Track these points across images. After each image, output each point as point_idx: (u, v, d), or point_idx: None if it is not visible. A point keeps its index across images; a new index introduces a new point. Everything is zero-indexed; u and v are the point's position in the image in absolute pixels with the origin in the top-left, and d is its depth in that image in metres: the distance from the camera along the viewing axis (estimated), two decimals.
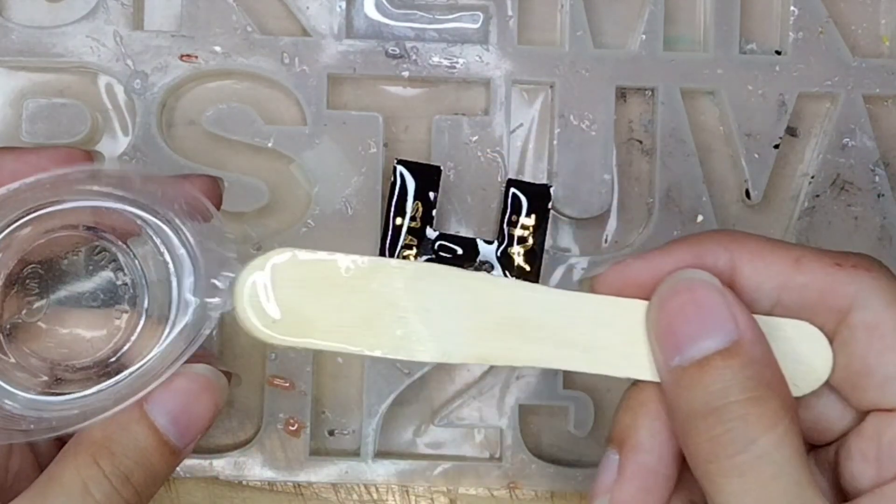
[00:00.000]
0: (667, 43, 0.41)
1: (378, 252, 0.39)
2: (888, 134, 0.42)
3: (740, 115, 0.41)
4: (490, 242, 0.39)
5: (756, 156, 0.41)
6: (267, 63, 0.40)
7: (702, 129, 0.42)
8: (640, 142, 0.42)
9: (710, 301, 0.28)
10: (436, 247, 0.39)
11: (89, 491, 0.28)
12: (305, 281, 0.28)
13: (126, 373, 0.30)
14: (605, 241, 0.42)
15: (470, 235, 0.39)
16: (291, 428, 0.40)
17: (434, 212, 0.39)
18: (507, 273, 0.39)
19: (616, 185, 0.41)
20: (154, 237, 0.30)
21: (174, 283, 0.30)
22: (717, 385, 0.27)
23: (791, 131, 0.42)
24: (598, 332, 0.28)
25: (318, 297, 0.28)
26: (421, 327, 0.27)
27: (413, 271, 0.27)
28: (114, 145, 0.41)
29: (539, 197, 0.39)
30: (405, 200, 0.38)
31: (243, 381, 0.41)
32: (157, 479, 0.30)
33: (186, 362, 0.30)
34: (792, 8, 0.41)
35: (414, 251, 0.39)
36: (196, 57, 0.40)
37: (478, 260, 0.39)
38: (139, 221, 0.30)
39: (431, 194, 0.39)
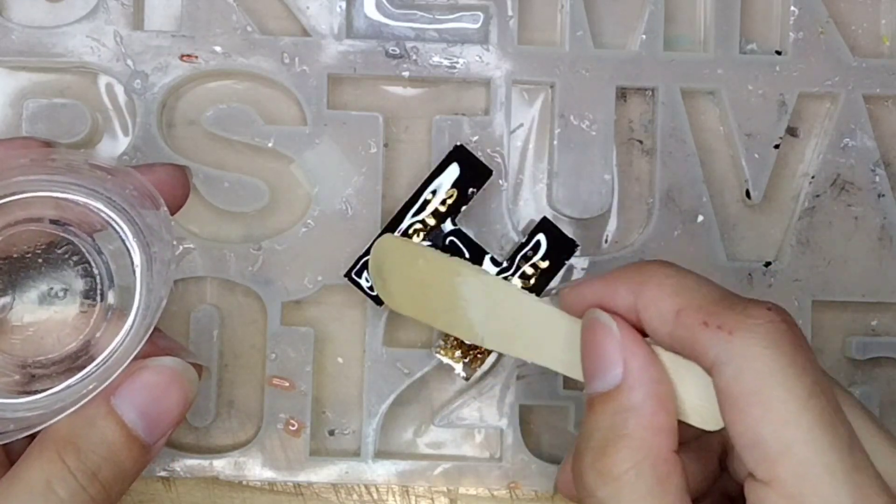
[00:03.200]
0: (667, 43, 0.41)
1: (395, 213, 0.39)
2: (888, 134, 0.42)
3: (740, 115, 0.41)
4: (498, 263, 0.39)
5: (756, 156, 0.41)
6: (267, 63, 0.40)
7: (702, 129, 0.42)
8: (641, 142, 0.42)
9: (603, 344, 0.30)
10: (446, 241, 0.39)
11: (53, 488, 0.28)
12: (402, 262, 0.36)
13: (92, 366, 0.29)
14: (606, 241, 0.42)
15: (479, 244, 0.39)
16: (291, 428, 0.40)
17: (464, 207, 0.39)
18: None
19: (616, 185, 0.41)
20: (116, 227, 0.30)
21: (137, 273, 0.30)
22: (589, 426, 0.29)
23: (791, 131, 0.42)
24: (566, 343, 0.32)
25: (411, 277, 0.36)
26: (470, 315, 0.34)
27: (469, 274, 0.34)
28: (114, 145, 0.41)
29: (562, 248, 0.39)
30: (444, 183, 0.39)
31: (244, 382, 0.41)
32: (127, 476, 0.29)
33: (155, 356, 0.30)
34: (792, 8, 0.41)
35: (422, 235, 0.39)
36: (196, 57, 0.40)
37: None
38: (100, 212, 0.30)
39: (471, 190, 0.39)
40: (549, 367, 0.32)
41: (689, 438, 0.30)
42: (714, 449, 0.32)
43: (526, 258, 0.39)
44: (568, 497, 0.34)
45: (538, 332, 0.33)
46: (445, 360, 0.40)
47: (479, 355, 0.40)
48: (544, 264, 0.39)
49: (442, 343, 0.40)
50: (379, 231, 0.40)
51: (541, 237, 0.39)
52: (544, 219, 0.40)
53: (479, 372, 0.40)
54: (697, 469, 0.31)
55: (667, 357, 0.30)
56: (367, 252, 0.39)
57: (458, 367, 0.40)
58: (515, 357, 0.33)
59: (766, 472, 0.26)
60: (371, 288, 0.39)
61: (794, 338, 0.27)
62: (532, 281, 0.39)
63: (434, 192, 0.39)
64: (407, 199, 0.39)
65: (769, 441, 0.26)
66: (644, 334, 0.30)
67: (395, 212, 0.39)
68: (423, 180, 0.39)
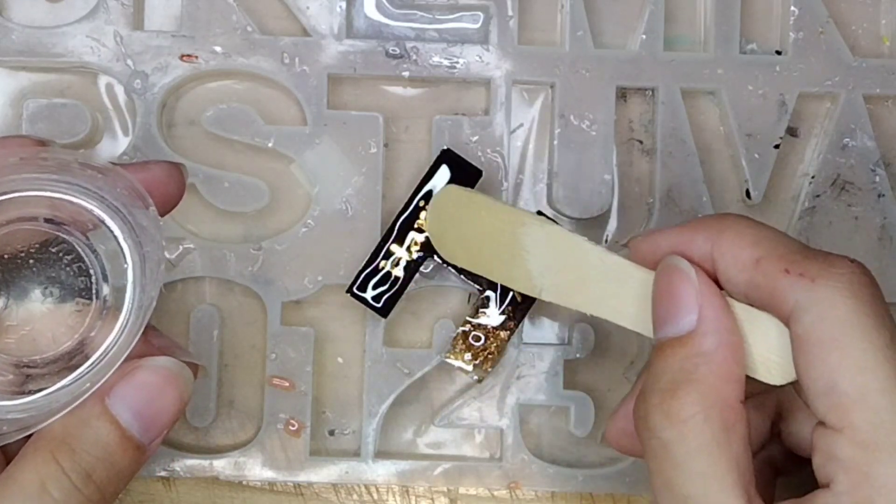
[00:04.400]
0: (667, 43, 0.41)
1: (390, 223, 0.39)
2: (888, 134, 0.42)
3: (740, 115, 0.41)
4: None
5: (756, 156, 0.41)
6: (267, 63, 0.40)
7: (702, 129, 0.42)
8: (641, 142, 0.42)
9: (679, 290, 0.30)
10: None
11: (47, 489, 0.28)
12: (463, 212, 0.35)
13: (86, 366, 0.29)
14: (606, 241, 0.42)
15: None
16: (292, 428, 0.40)
17: None
18: (499, 298, 0.40)
19: (616, 185, 0.41)
20: (109, 226, 0.30)
21: (129, 272, 0.30)
22: (658, 369, 0.29)
23: (791, 131, 0.42)
24: (631, 294, 0.32)
25: (471, 227, 0.35)
26: (530, 267, 0.33)
27: (533, 224, 0.33)
28: (114, 145, 0.41)
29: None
30: (436, 188, 0.39)
31: (244, 382, 0.41)
32: (122, 477, 0.29)
33: (151, 355, 0.30)
34: (792, 8, 0.41)
35: (421, 237, 0.39)
36: (196, 57, 0.40)
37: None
38: (93, 211, 0.30)
39: None
40: (610, 319, 0.32)
41: (746, 396, 0.30)
42: (769, 411, 0.33)
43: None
44: (617, 447, 0.34)
45: (604, 284, 0.32)
46: (457, 363, 0.40)
47: (489, 356, 0.40)
48: None
49: (451, 348, 0.40)
50: (379, 233, 0.40)
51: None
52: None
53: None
54: (752, 427, 0.31)
55: (739, 308, 0.30)
56: (367, 265, 0.39)
57: (470, 369, 0.40)
58: (574, 309, 0.33)
59: (839, 419, 0.27)
60: (374, 299, 0.39)
61: (874, 291, 0.28)
62: None
63: (426, 199, 0.39)
64: (405, 201, 0.39)
65: (845, 387, 0.26)
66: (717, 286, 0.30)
67: (395, 215, 0.39)
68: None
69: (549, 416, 0.41)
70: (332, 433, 0.41)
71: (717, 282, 0.30)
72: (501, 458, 0.41)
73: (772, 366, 0.29)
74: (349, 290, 0.39)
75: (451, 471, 0.40)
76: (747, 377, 0.29)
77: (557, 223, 0.33)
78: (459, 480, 0.40)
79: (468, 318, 0.40)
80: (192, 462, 0.40)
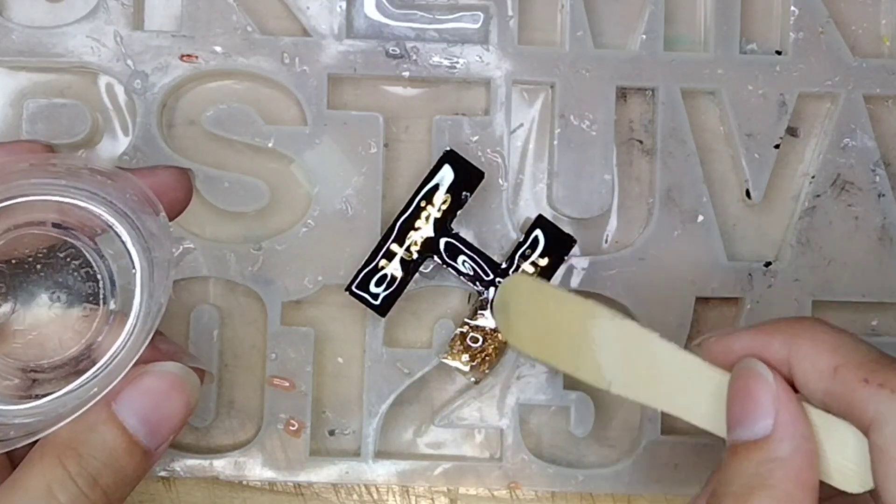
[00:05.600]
0: (667, 43, 0.41)
1: (391, 223, 0.39)
2: (889, 134, 0.42)
3: (741, 115, 0.41)
4: (496, 264, 0.39)
5: (756, 156, 0.41)
6: (267, 63, 0.40)
7: (702, 129, 0.42)
8: (641, 142, 0.42)
9: (757, 393, 0.30)
10: (444, 247, 0.39)
11: (54, 494, 0.27)
12: (531, 302, 0.35)
13: (93, 370, 0.29)
14: (606, 241, 0.42)
15: (475, 242, 0.40)
16: (292, 428, 0.40)
17: (459, 211, 0.39)
18: None
19: (616, 185, 0.41)
20: (117, 231, 0.30)
21: (137, 278, 0.30)
22: (731, 472, 0.29)
23: (791, 131, 0.42)
24: (704, 393, 0.32)
25: (539, 317, 0.35)
26: (599, 359, 0.33)
27: (604, 317, 0.33)
28: (114, 145, 0.41)
29: (560, 244, 0.40)
30: (437, 188, 0.39)
31: (244, 382, 0.41)
32: (128, 482, 0.29)
33: (157, 361, 0.30)
34: (792, 8, 0.41)
35: (421, 237, 0.39)
36: (196, 57, 0.40)
37: (479, 284, 0.39)
38: (101, 216, 0.30)
39: (465, 194, 0.39)
40: (680, 416, 0.32)
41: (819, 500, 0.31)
42: None
43: (524, 257, 0.39)
44: None
45: (676, 381, 0.32)
46: (454, 364, 0.40)
47: (486, 358, 0.40)
48: (543, 262, 0.39)
49: (448, 349, 0.40)
50: (379, 233, 0.40)
51: (538, 234, 0.39)
52: (540, 216, 0.40)
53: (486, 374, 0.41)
54: None
55: (816, 414, 0.30)
56: (367, 263, 0.39)
57: (467, 370, 0.40)
58: (644, 404, 0.33)
59: None
60: (373, 298, 0.39)
61: None
62: None
63: (427, 199, 0.39)
64: (405, 201, 0.39)
65: None
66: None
67: (395, 215, 0.39)
68: (418, 184, 0.39)
69: (549, 416, 0.41)
70: (332, 433, 0.41)
71: (793, 386, 0.30)
72: (501, 458, 0.41)
73: (849, 473, 0.29)
74: (348, 289, 0.39)
75: (451, 471, 0.40)
76: (821, 482, 0.29)
77: (627, 317, 0.33)
78: (459, 480, 0.40)
79: (466, 320, 0.40)
80: (192, 462, 0.40)
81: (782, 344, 0.30)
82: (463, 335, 0.40)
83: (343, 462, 0.40)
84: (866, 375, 0.28)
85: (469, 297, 0.41)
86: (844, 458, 0.29)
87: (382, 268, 0.39)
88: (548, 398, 0.41)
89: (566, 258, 0.40)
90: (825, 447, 0.29)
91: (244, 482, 0.40)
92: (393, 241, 0.39)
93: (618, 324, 0.33)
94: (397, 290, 0.39)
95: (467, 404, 0.41)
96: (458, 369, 0.40)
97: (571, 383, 0.41)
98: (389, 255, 0.39)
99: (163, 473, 0.40)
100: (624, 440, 0.42)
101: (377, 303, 0.39)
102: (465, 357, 0.40)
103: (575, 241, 0.40)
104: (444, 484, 0.41)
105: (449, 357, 0.40)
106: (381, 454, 0.40)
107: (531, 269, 0.39)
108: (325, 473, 0.40)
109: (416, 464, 0.40)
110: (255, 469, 0.40)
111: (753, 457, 0.29)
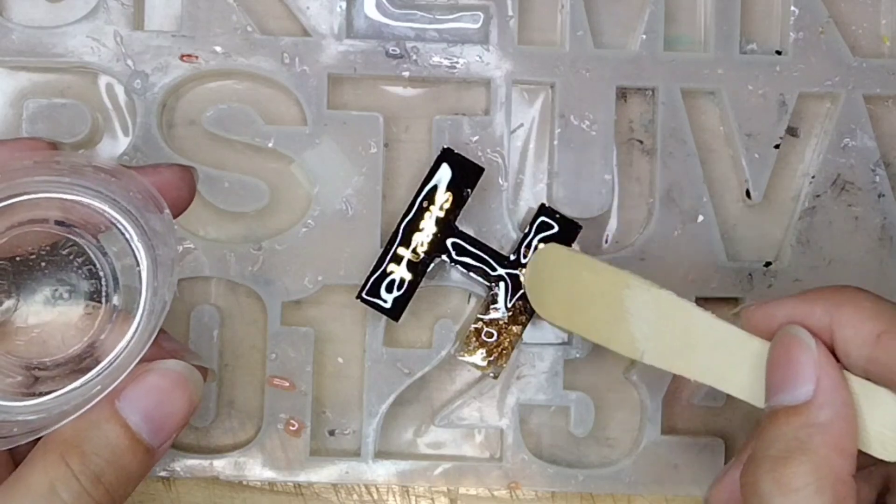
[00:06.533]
0: (667, 43, 0.41)
1: (395, 227, 0.39)
2: (889, 134, 0.42)
3: (741, 115, 0.41)
4: (504, 257, 0.39)
5: (756, 156, 0.41)
6: (267, 63, 0.40)
7: (702, 129, 0.42)
8: (641, 142, 0.42)
9: (798, 358, 0.30)
10: (450, 246, 0.39)
11: (56, 491, 0.27)
12: (564, 271, 0.35)
13: (97, 369, 0.29)
14: (606, 241, 0.42)
15: (479, 239, 0.40)
16: (292, 428, 0.40)
17: (462, 209, 0.39)
18: (509, 292, 0.39)
19: (616, 185, 0.41)
20: (121, 229, 0.30)
21: (142, 276, 0.30)
22: (770, 436, 0.29)
23: (791, 131, 0.42)
24: (742, 362, 0.32)
25: (571, 287, 0.34)
26: (633, 330, 0.33)
27: (639, 287, 0.33)
28: (114, 145, 0.41)
29: (566, 230, 0.40)
30: (438, 188, 0.39)
31: (244, 381, 0.41)
32: (131, 479, 0.29)
33: (160, 359, 0.30)
34: (792, 8, 0.41)
35: (426, 238, 0.39)
36: (196, 57, 0.40)
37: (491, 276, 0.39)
38: (105, 213, 0.30)
39: (466, 191, 0.39)
40: (716, 387, 0.32)
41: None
42: (876, 483, 0.33)
43: (531, 247, 0.39)
44: None
45: (712, 351, 0.32)
46: (470, 360, 0.40)
47: (503, 351, 0.40)
48: None
49: (464, 347, 0.40)
50: (379, 233, 0.40)
51: (543, 221, 0.39)
52: (543, 205, 0.40)
53: (480, 372, 0.40)
54: (859, 500, 0.32)
55: (856, 382, 0.30)
56: (376, 269, 0.39)
57: (484, 365, 0.40)
58: (678, 374, 0.33)
59: None
60: (385, 305, 0.39)
61: None
62: None
63: (429, 199, 0.39)
64: (406, 202, 0.39)
65: None
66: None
67: (395, 215, 0.39)
68: (419, 185, 0.39)
69: (549, 416, 0.41)
70: (332, 433, 0.41)
71: (833, 354, 0.30)
72: (501, 458, 0.41)
73: (887, 441, 0.29)
74: (359, 296, 0.39)
75: (451, 471, 0.40)
76: (858, 451, 0.29)
77: (660, 287, 0.33)
78: (459, 480, 0.40)
79: (479, 316, 0.40)
80: (192, 462, 0.40)
81: (825, 311, 0.30)
82: (477, 331, 0.40)
83: (343, 462, 0.40)
84: None
85: (469, 297, 0.41)
86: (884, 426, 0.29)
87: (391, 272, 0.39)
88: (548, 398, 0.41)
89: (571, 246, 0.40)
90: (865, 415, 0.29)
91: (244, 482, 0.40)
92: (399, 245, 0.39)
93: (654, 293, 0.33)
94: (408, 292, 0.39)
95: (467, 404, 0.41)
96: (475, 365, 0.40)
97: (571, 383, 0.41)
98: (397, 259, 0.39)
99: (163, 473, 0.40)
100: (624, 440, 0.42)
101: (389, 307, 0.39)
102: (482, 353, 0.40)
103: (580, 227, 0.40)
104: (444, 484, 0.41)
105: (466, 354, 0.40)
106: (381, 454, 0.40)
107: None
108: (325, 473, 0.40)
109: (416, 464, 0.40)
110: (255, 469, 0.40)
111: (793, 421, 0.29)
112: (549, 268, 0.35)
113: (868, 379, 0.30)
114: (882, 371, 0.29)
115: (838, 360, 0.30)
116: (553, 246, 0.37)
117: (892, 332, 0.29)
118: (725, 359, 0.32)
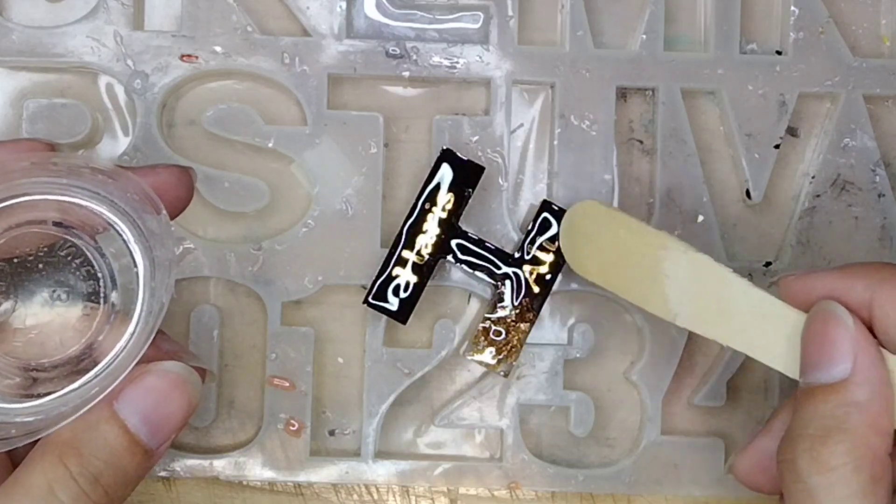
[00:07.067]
0: (667, 43, 0.41)
1: (398, 230, 0.39)
2: (889, 134, 0.42)
3: (741, 115, 0.41)
4: (508, 255, 0.39)
5: (756, 156, 0.41)
6: (267, 63, 0.40)
7: (702, 129, 0.42)
8: (641, 142, 0.42)
9: (835, 336, 0.30)
10: (454, 248, 0.39)
11: (54, 493, 0.27)
12: (600, 228, 0.34)
13: (95, 371, 0.29)
14: None
15: (479, 237, 0.39)
16: (292, 428, 0.40)
17: (464, 208, 0.39)
18: (515, 289, 0.39)
19: (616, 185, 0.41)
20: (119, 230, 0.30)
21: (140, 277, 0.30)
22: (808, 414, 0.29)
23: (791, 131, 0.42)
24: (776, 332, 0.31)
25: (607, 244, 0.34)
26: (667, 291, 0.33)
27: (677, 249, 0.33)
28: (114, 145, 0.41)
29: None
30: (439, 189, 0.39)
31: (244, 382, 0.41)
32: (129, 481, 0.29)
33: (159, 360, 0.30)
34: (792, 8, 0.41)
35: (430, 240, 0.39)
36: (196, 57, 0.40)
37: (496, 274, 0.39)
38: (102, 215, 0.30)
39: (467, 191, 0.39)
40: (749, 354, 0.32)
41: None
42: None
43: (534, 243, 0.39)
44: (746, 482, 0.34)
45: (748, 318, 0.32)
46: (480, 359, 0.40)
47: (512, 349, 0.39)
48: (553, 246, 0.39)
49: (473, 347, 0.40)
50: (379, 233, 0.40)
51: (546, 216, 0.39)
52: (545, 201, 0.40)
53: (480, 372, 0.40)
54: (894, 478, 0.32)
55: (893, 361, 0.30)
56: (381, 273, 0.39)
57: (494, 363, 0.39)
58: (710, 338, 0.32)
59: None
60: (392, 308, 0.39)
61: None
62: (546, 266, 0.39)
63: (431, 201, 0.39)
64: (406, 201, 0.39)
65: None
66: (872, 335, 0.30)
67: (395, 215, 0.39)
68: (420, 183, 0.39)
69: (549, 416, 0.41)
70: (332, 433, 0.41)
71: (871, 332, 0.30)
72: (501, 458, 0.41)
73: None
74: (366, 301, 0.39)
75: (451, 471, 0.40)
76: None
77: (697, 250, 0.33)
78: (459, 480, 0.40)
79: (487, 315, 0.40)
80: (192, 462, 0.40)
81: (865, 287, 0.30)
82: (486, 330, 0.40)
83: (343, 462, 0.40)
84: None
85: (469, 297, 0.41)
86: None
87: (397, 276, 0.39)
88: (548, 398, 0.41)
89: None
90: None
91: (244, 482, 0.40)
92: (403, 248, 0.39)
93: (691, 256, 0.33)
94: (415, 295, 0.39)
95: (467, 404, 0.41)
96: (486, 364, 0.40)
97: (571, 383, 0.41)
98: (402, 262, 0.39)
99: (163, 473, 0.40)
100: (624, 440, 0.42)
101: (397, 311, 0.39)
102: (492, 351, 0.39)
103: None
104: (444, 484, 0.41)
105: (475, 354, 0.40)
106: (381, 454, 0.40)
107: (543, 255, 0.39)
108: (325, 473, 0.40)
109: (416, 464, 0.40)
110: (255, 469, 0.40)
111: (831, 399, 0.29)
112: (585, 223, 0.35)
113: None
114: None
115: (876, 338, 0.30)
116: (591, 202, 0.36)
117: None
118: (760, 327, 0.32)
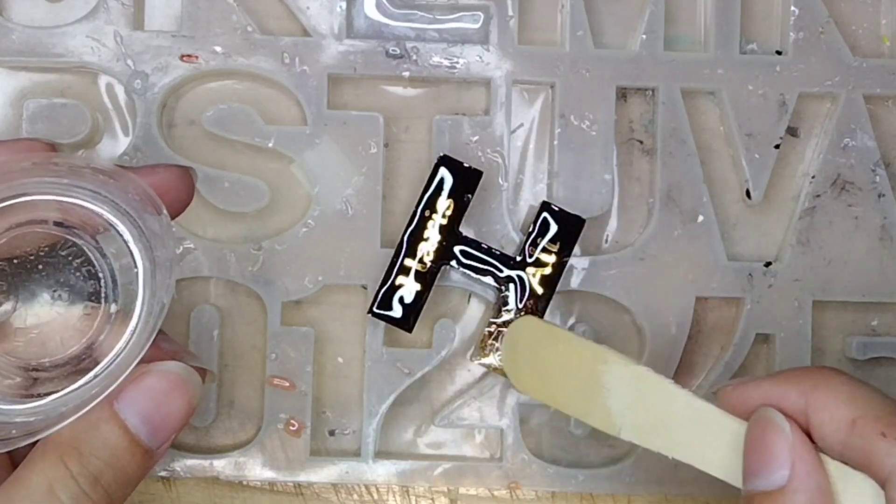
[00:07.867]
0: (667, 43, 0.41)
1: (399, 239, 0.39)
2: (889, 134, 0.42)
3: (741, 115, 0.41)
4: (510, 258, 0.39)
5: (756, 156, 0.41)
6: (267, 63, 0.40)
7: (702, 129, 0.42)
8: (641, 142, 0.42)
9: (773, 443, 0.30)
10: (458, 254, 0.39)
11: (55, 493, 0.27)
12: (540, 345, 0.34)
13: (96, 371, 0.29)
14: (606, 240, 0.42)
15: (481, 241, 0.39)
16: (292, 428, 0.40)
17: (465, 214, 0.39)
18: (518, 293, 0.39)
19: (616, 185, 0.41)
20: (119, 230, 0.30)
21: (140, 277, 0.30)
22: None
23: (791, 131, 0.42)
24: (719, 441, 0.32)
25: (548, 360, 0.34)
26: (609, 405, 0.33)
27: (616, 363, 0.33)
28: (114, 145, 0.41)
29: (569, 225, 0.39)
30: (439, 195, 0.39)
31: (244, 382, 0.41)
32: (130, 481, 0.29)
33: (159, 360, 0.30)
34: (792, 8, 0.41)
35: (432, 247, 0.39)
36: (196, 57, 0.40)
37: (499, 277, 0.39)
38: (103, 215, 0.30)
39: (466, 196, 0.39)
40: (693, 464, 0.32)
41: None
42: None
43: (535, 245, 0.39)
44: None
45: (690, 429, 0.32)
46: (488, 362, 0.40)
47: None
48: (555, 247, 0.39)
49: (479, 351, 0.39)
50: (379, 232, 0.40)
51: (546, 217, 0.39)
52: (545, 202, 0.40)
53: (480, 372, 0.40)
54: None
55: (833, 466, 0.30)
56: (384, 282, 0.39)
57: (501, 365, 0.39)
58: (655, 451, 0.33)
59: None
60: (397, 317, 0.39)
61: None
62: (549, 268, 0.39)
63: (430, 207, 0.39)
64: (406, 201, 0.39)
65: None
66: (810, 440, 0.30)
67: (395, 215, 0.39)
68: (420, 183, 0.39)
69: (549, 416, 0.41)
70: (332, 433, 0.41)
71: (810, 437, 0.30)
72: (501, 458, 0.41)
73: None
74: (370, 311, 0.39)
75: (451, 471, 0.40)
76: None
77: (640, 363, 0.33)
78: (459, 480, 0.40)
79: (492, 320, 0.40)
80: (192, 462, 0.40)
81: (800, 394, 0.30)
82: (490, 334, 0.40)
83: (343, 462, 0.40)
84: (884, 429, 0.28)
85: (469, 297, 0.41)
86: None
87: (400, 285, 0.39)
88: None
89: (577, 240, 0.39)
90: (841, 500, 0.29)
91: (244, 482, 0.40)
92: (405, 256, 0.39)
93: (630, 369, 0.33)
94: (419, 302, 0.39)
95: (467, 404, 0.41)
96: (493, 368, 0.40)
97: None
98: (405, 271, 0.39)
99: (163, 473, 0.40)
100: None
101: (402, 319, 0.39)
102: (499, 355, 0.39)
103: (584, 221, 0.39)
104: (444, 484, 0.41)
105: (482, 357, 0.40)
106: (381, 454, 0.40)
107: (546, 257, 0.39)
108: (325, 473, 0.40)
109: (416, 464, 0.40)
110: (255, 469, 0.40)
111: None
112: (524, 340, 0.35)
113: (845, 462, 0.30)
114: (858, 456, 0.29)
115: (814, 443, 0.30)
116: (528, 318, 0.36)
117: (867, 417, 0.29)
118: (703, 437, 0.32)
